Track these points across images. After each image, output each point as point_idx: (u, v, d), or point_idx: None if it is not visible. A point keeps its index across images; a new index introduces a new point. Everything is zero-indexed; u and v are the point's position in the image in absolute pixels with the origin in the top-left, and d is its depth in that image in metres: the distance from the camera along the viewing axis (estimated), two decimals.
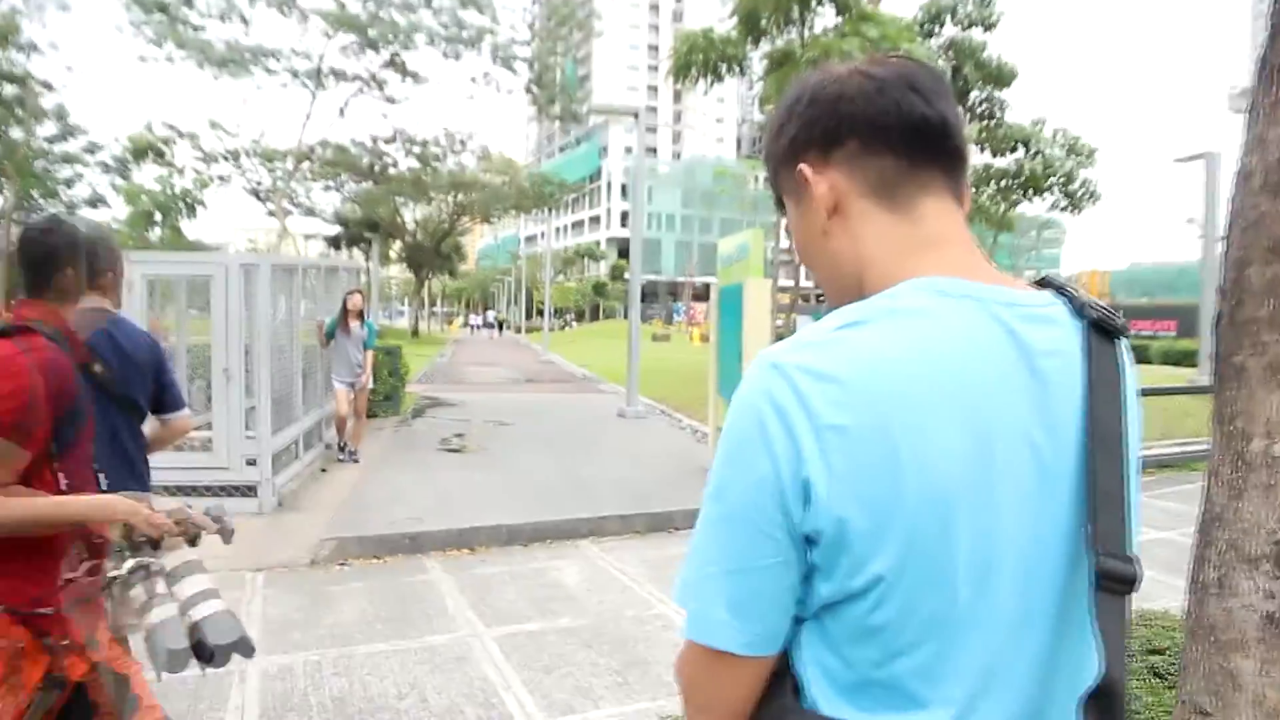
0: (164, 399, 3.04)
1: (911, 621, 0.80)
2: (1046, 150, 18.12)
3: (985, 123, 18.09)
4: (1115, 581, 0.80)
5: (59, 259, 2.06)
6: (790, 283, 19.21)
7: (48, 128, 28.57)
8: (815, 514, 0.79)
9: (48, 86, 27.11)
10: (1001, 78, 17.60)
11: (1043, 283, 0.93)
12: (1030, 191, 18.85)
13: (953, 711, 0.81)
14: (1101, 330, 0.88)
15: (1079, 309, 0.89)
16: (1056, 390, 0.85)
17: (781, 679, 0.87)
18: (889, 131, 0.89)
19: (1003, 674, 0.83)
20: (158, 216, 29.52)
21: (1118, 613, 0.80)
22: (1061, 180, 18.46)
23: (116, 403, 2.85)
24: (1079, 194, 18.77)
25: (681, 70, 15.23)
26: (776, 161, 0.99)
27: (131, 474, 2.94)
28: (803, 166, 0.94)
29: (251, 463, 6.75)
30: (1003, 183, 18.93)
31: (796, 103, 0.95)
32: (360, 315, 8.93)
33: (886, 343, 0.81)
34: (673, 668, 0.96)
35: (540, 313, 54.85)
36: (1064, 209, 19.58)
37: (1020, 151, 18.30)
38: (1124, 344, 0.90)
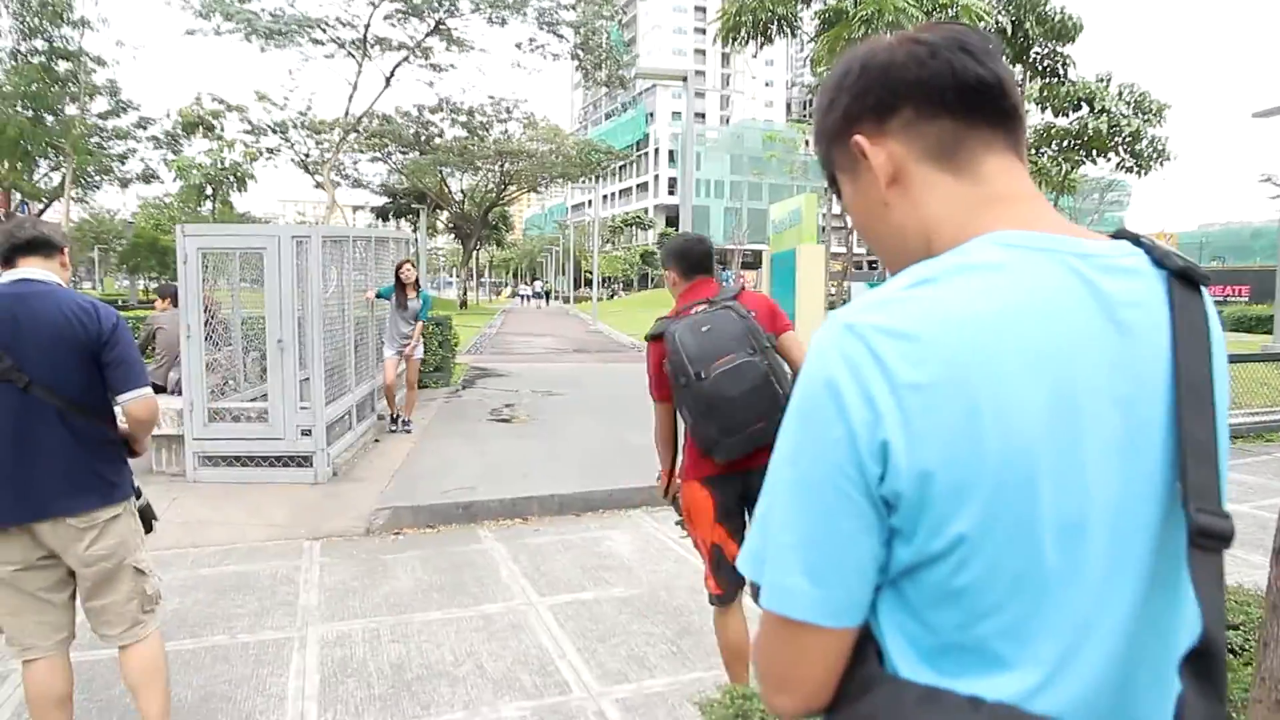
0: (111, 378, 2.67)
1: (996, 582, 0.78)
2: (1112, 108, 17.33)
3: (1047, 80, 17.38)
4: (1211, 538, 0.77)
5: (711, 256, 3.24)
6: (842, 249, 18.86)
7: (100, 103, 29.19)
8: (894, 475, 0.77)
9: (100, 62, 27.68)
10: (1065, 32, 16.81)
11: (1119, 235, 0.90)
12: (1094, 152, 18.11)
13: (1042, 672, 0.78)
14: (1184, 280, 0.85)
15: (1160, 259, 0.86)
16: (1141, 342, 0.82)
17: (864, 645, 0.84)
18: (944, 94, 0.88)
19: (1093, 634, 0.80)
20: (208, 190, 30.11)
21: (1214, 571, 0.78)
22: (1127, 139, 17.68)
23: (30, 392, 2.54)
24: (1146, 154, 17.97)
25: (731, 32, 14.90)
26: (829, 138, 0.97)
27: (79, 480, 2.63)
28: (858, 138, 0.92)
29: (306, 433, 6.83)
30: (1064, 143, 18.21)
31: (846, 75, 0.94)
32: (416, 286, 8.88)
33: (961, 298, 0.79)
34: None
35: (589, 282, 54.91)
36: (1130, 170, 18.77)
37: (1084, 110, 17.55)
38: (1207, 295, 0.87)
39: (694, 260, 3.19)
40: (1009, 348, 0.77)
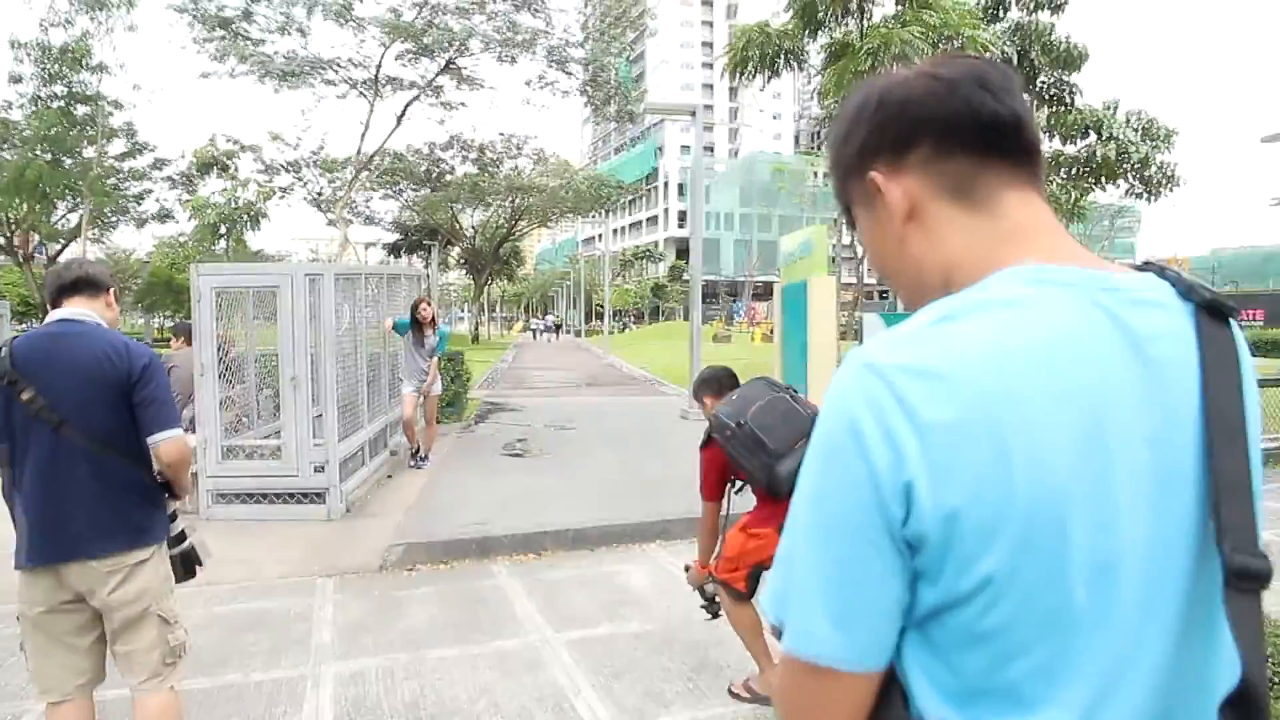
0: (141, 418, 2.64)
1: (1024, 624, 0.76)
2: (1120, 134, 17.33)
3: (1054, 108, 17.42)
4: (1248, 579, 0.75)
5: None
6: (853, 279, 18.84)
7: (117, 145, 29.70)
8: (918, 517, 0.75)
9: (117, 105, 28.21)
10: (1071, 61, 16.86)
11: (1144, 266, 0.89)
12: (1103, 178, 18.08)
13: (1072, 716, 0.77)
14: (1213, 312, 0.83)
15: (1187, 291, 0.84)
16: (1169, 377, 0.80)
17: (890, 688, 0.82)
18: (962, 131, 0.87)
19: (1126, 676, 0.78)
20: (223, 229, 30.43)
21: (1253, 612, 0.76)
22: (1136, 165, 17.66)
23: (61, 432, 2.53)
24: (1155, 179, 17.92)
25: (738, 66, 15.00)
26: (845, 171, 0.97)
27: (106, 523, 2.60)
28: (874, 174, 0.91)
29: (320, 469, 6.83)
30: (1073, 170, 18.20)
31: (863, 109, 0.93)
32: (433, 323, 8.93)
33: (984, 334, 0.78)
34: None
35: (600, 315, 55.10)
36: (1139, 195, 18.73)
37: (1091, 137, 17.57)
38: (1237, 326, 0.86)
39: (723, 383, 3.85)
40: (1034, 384, 0.76)
